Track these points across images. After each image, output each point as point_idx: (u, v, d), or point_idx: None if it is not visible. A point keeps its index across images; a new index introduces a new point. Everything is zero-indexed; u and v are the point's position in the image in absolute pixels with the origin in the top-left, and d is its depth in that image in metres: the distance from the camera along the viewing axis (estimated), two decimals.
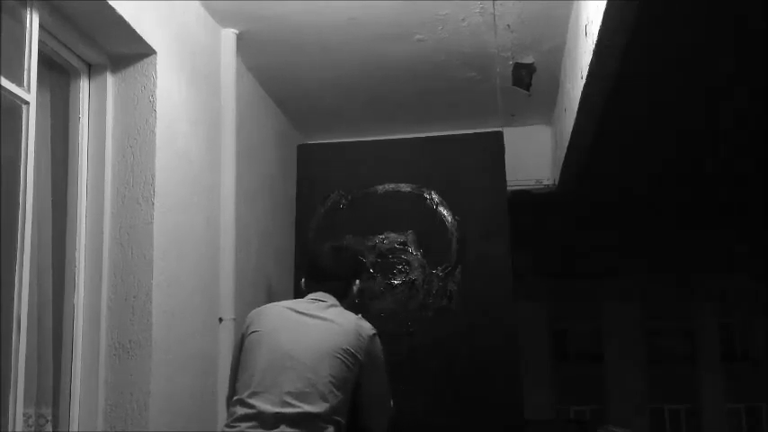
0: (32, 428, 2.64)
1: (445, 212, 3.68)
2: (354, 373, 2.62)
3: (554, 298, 18.44)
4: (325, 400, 2.52)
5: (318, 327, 2.65)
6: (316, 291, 2.79)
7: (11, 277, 2.45)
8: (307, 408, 2.49)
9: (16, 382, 2.41)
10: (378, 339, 2.72)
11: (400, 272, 3.63)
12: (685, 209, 10.19)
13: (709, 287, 18.25)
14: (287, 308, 2.74)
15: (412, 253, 3.64)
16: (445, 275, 3.60)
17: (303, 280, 2.89)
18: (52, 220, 2.85)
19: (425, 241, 3.64)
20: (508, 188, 3.80)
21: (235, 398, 2.59)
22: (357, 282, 2.90)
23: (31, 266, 2.54)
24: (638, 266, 15.94)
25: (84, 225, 2.96)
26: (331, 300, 2.76)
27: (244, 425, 2.49)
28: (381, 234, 3.68)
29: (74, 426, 2.81)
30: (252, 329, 2.69)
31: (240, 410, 2.53)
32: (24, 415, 2.52)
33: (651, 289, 18.28)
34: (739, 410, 18.42)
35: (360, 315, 2.79)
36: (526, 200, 5.23)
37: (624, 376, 18.57)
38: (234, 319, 3.54)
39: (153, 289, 2.93)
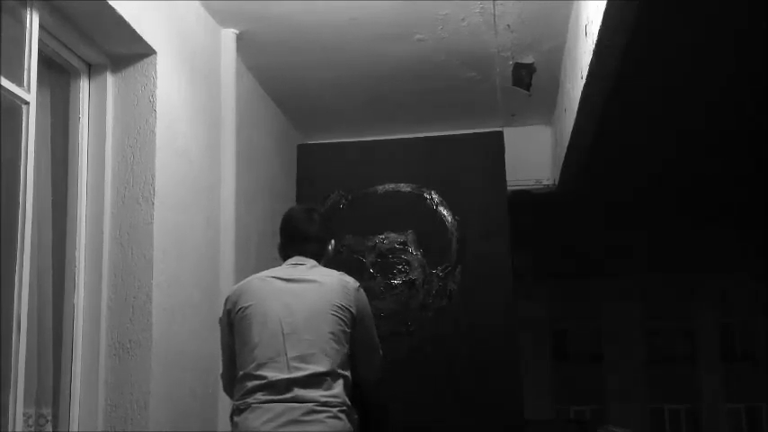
0: (32, 428, 2.64)
1: (445, 212, 3.68)
2: (348, 325, 2.67)
3: (554, 298, 18.45)
4: (329, 357, 2.58)
5: (306, 289, 2.68)
6: (293, 255, 2.82)
7: (11, 277, 2.45)
8: (314, 368, 2.55)
9: (16, 382, 2.41)
10: (363, 291, 2.78)
11: (400, 272, 3.63)
12: (685, 209, 10.19)
13: (709, 287, 18.26)
14: (270, 277, 2.75)
15: (412, 253, 3.64)
16: (445, 275, 3.60)
17: (279, 244, 2.90)
18: (52, 221, 2.85)
19: (425, 241, 3.64)
20: (508, 188, 3.80)
21: (241, 373, 2.61)
22: (332, 242, 2.95)
23: (31, 267, 2.54)
24: (638, 266, 15.94)
25: (84, 225, 2.96)
26: (310, 262, 2.79)
27: (258, 394, 2.52)
28: (381, 234, 3.68)
29: (74, 426, 2.81)
30: (240, 305, 2.69)
31: (250, 383, 2.56)
32: (24, 415, 2.52)
33: (651, 289, 18.30)
34: (739, 410, 18.43)
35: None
36: (526, 200, 5.23)
37: (624, 376, 18.58)
38: None
39: (153, 289, 2.93)
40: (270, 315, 2.63)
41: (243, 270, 3.78)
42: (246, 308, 2.67)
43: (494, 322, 3.51)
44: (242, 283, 2.83)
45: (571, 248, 13.21)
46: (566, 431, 10.96)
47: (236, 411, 2.57)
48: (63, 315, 2.87)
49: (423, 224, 3.67)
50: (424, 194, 3.72)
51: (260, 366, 2.57)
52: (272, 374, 2.54)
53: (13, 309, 2.43)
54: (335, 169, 3.86)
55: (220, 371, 2.88)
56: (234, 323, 2.70)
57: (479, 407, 3.41)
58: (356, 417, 2.64)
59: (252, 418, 2.49)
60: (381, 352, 2.88)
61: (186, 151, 3.30)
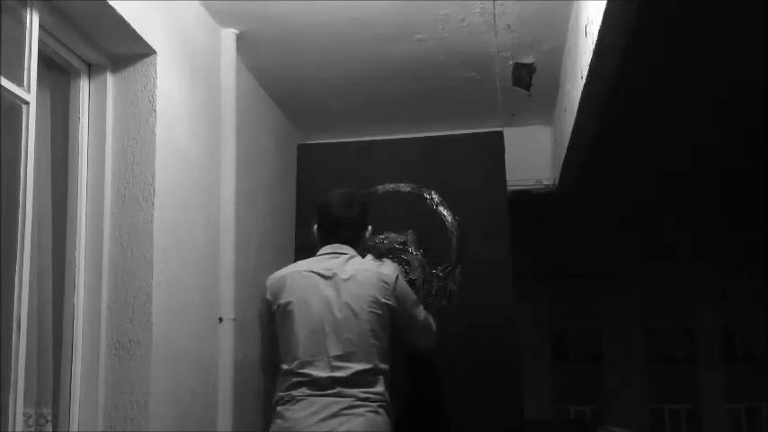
0: (32, 428, 2.64)
1: (445, 212, 3.68)
2: (388, 318, 2.73)
3: (554, 298, 18.44)
4: (370, 353, 2.65)
5: (344, 286, 2.71)
6: (330, 242, 2.85)
7: (11, 277, 2.44)
8: (356, 366, 2.63)
9: (16, 382, 2.41)
10: (402, 278, 2.83)
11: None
12: (685, 209, 10.19)
13: (709, 287, 18.26)
14: (309, 271, 2.78)
15: (412, 253, 3.64)
16: (445, 275, 3.59)
17: (315, 228, 2.91)
18: (52, 220, 2.85)
19: (425, 241, 3.64)
20: (508, 188, 3.80)
21: (285, 368, 2.69)
22: (369, 227, 2.98)
23: (31, 267, 2.54)
24: (638, 266, 15.94)
25: (84, 225, 2.96)
26: (348, 250, 2.82)
27: (303, 389, 2.62)
28: (381, 234, 3.67)
29: (74, 426, 2.81)
30: (281, 300, 2.75)
31: (294, 379, 2.65)
32: (24, 415, 2.51)
33: (651, 289, 18.29)
34: (739, 410, 18.42)
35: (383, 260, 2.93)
36: (526, 200, 5.23)
37: (624, 376, 18.57)
38: (234, 319, 3.54)
39: (153, 289, 2.93)
40: (312, 313, 2.68)
41: (243, 270, 3.78)
42: (288, 304, 2.73)
43: (494, 322, 3.51)
44: (281, 275, 2.84)
45: (571, 248, 13.21)
46: (566, 431, 10.96)
47: (281, 401, 2.66)
48: (63, 315, 2.87)
49: (423, 224, 3.67)
50: (424, 194, 3.72)
51: (303, 365, 2.65)
52: (316, 373, 2.63)
53: (13, 309, 2.43)
54: (335, 169, 3.86)
55: (259, 356, 3.02)
56: (275, 316, 2.76)
57: (479, 407, 3.41)
58: (394, 411, 2.71)
59: (296, 410, 2.60)
60: (432, 324, 2.94)
61: (186, 151, 3.30)
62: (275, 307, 2.75)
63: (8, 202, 2.47)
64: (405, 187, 3.76)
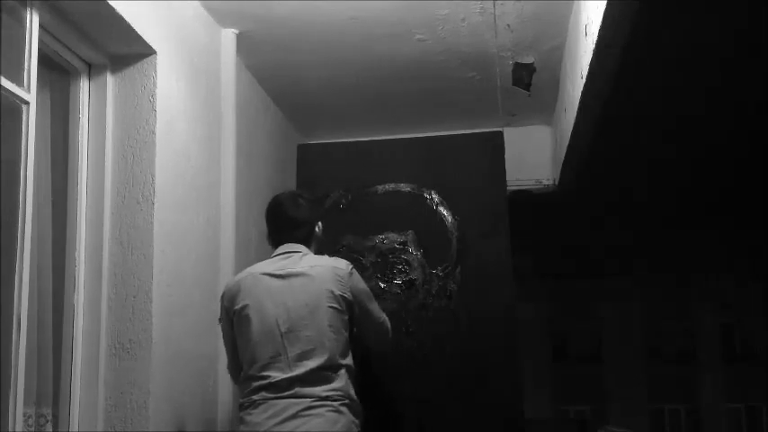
0: (32, 428, 2.64)
1: (445, 212, 3.67)
2: (346, 312, 2.72)
3: (554, 298, 18.45)
4: (329, 349, 2.63)
5: (298, 284, 2.71)
6: (282, 242, 2.85)
7: (11, 277, 2.45)
8: (314, 363, 2.61)
9: (16, 382, 2.41)
10: (356, 271, 2.83)
11: (400, 272, 3.63)
12: (685, 209, 10.20)
13: (709, 287, 18.27)
14: (263, 274, 2.77)
15: (412, 253, 3.64)
16: (445, 275, 3.59)
17: (267, 233, 2.93)
18: (52, 220, 2.85)
19: (425, 241, 3.64)
20: (508, 188, 3.80)
21: (245, 373, 2.69)
22: (319, 224, 2.97)
23: (31, 266, 2.54)
24: (638, 266, 15.96)
25: (84, 225, 2.96)
26: (301, 249, 2.82)
27: (262, 392, 2.60)
28: (381, 234, 3.67)
29: (74, 426, 2.81)
30: (236, 306, 2.74)
31: (254, 383, 2.64)
32: (24, 415, 2.52)
33: (651, 289, 18.30)
34: (739, 410, 18.44)
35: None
36: (526, 200, 5.23)
37: (624, 376, 18.59)
38: None
39: (153, 288, 2.93)
40: (266, 315, 2.67)
41: (243, 270, 3.77)
42: (243, 308, 2.72)
43: (494, 322, 3.51)
44: (236, 280, 2.85)
45: (571, 248, 13.22)
46: (565, 431, 10.96)
47: (242, 407, 2.65)
48: (63, 315, 2.87)
49: (423, 224, 3.66)
50: (424, 194, 3.72)
51: (263, 367, 2.63)
52: (275, 374, 2.61)
53: (13, 308, 2.43)
54: (335, 169, 3.85)
55: (226, 364, 2.97)
56: (233, 322, 2.76)
57: (479, 407, 3.41)
58: (362, 411, 2.68)
59: (256, 414, 2.58)
60: (388, 323, 2.93)
61: (186, 151, 3.30)
62: (232, 313, 2.75)
63: (8, 202, 2.47)
64: (405, 187, 3.75)
